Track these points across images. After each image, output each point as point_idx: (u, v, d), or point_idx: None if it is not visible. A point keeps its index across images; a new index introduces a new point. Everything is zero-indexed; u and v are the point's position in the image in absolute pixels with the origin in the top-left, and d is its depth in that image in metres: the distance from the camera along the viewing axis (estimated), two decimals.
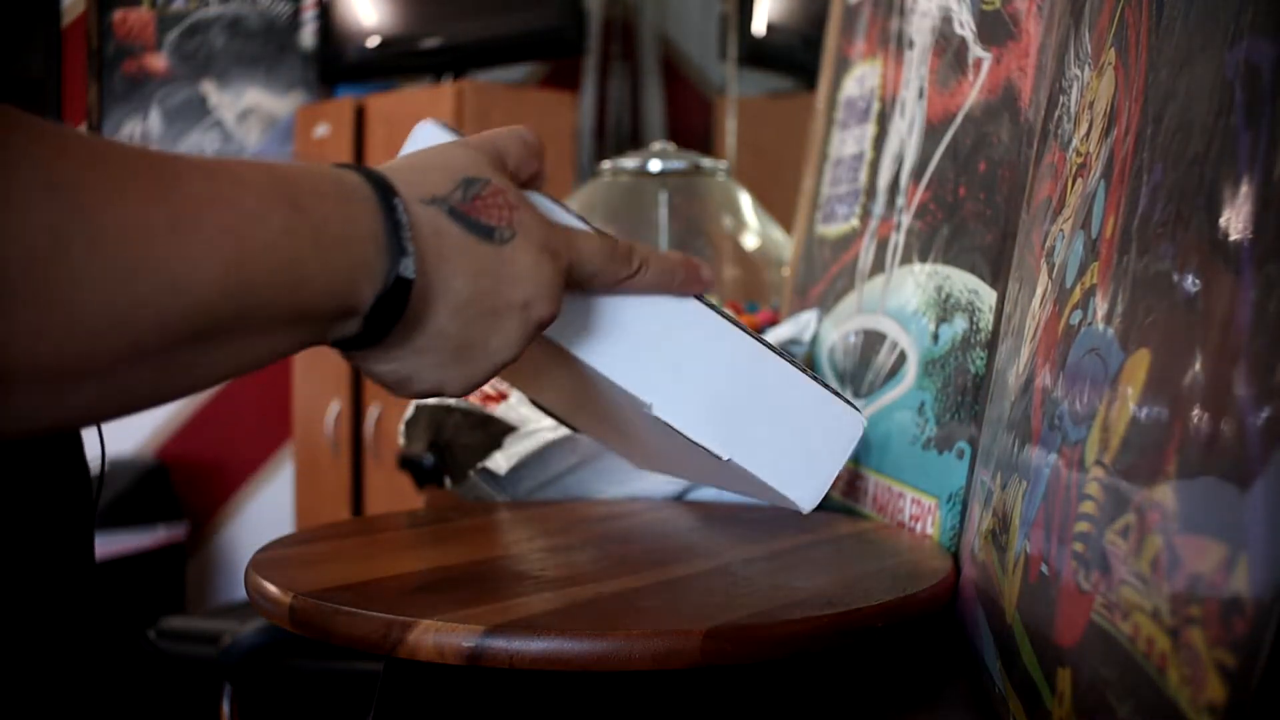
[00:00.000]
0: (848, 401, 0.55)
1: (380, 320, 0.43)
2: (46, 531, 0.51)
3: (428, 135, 0.53)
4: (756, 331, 1.04)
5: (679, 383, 0.54)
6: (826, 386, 0.56)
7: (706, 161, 1.34)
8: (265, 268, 0.38)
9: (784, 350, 0.56)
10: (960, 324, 0.71)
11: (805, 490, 0.56)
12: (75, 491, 0.53)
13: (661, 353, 0.54)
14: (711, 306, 0.55)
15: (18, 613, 0.49)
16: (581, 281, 0.51)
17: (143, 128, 2.96)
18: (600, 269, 0.51)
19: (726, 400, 0.54)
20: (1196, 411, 0.32)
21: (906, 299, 0.79)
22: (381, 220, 0.42)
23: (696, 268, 0.54)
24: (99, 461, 0.59)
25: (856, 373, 0.85)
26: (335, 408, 2.54)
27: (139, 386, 0.37)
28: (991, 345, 0.66)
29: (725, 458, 0.54)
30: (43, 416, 0.35)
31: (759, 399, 0.54)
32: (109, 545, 2.50)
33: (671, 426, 0.54)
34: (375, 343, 0.44)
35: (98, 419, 0.38)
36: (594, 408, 0.66)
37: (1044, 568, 0.45)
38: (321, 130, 2.57)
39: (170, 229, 0.35)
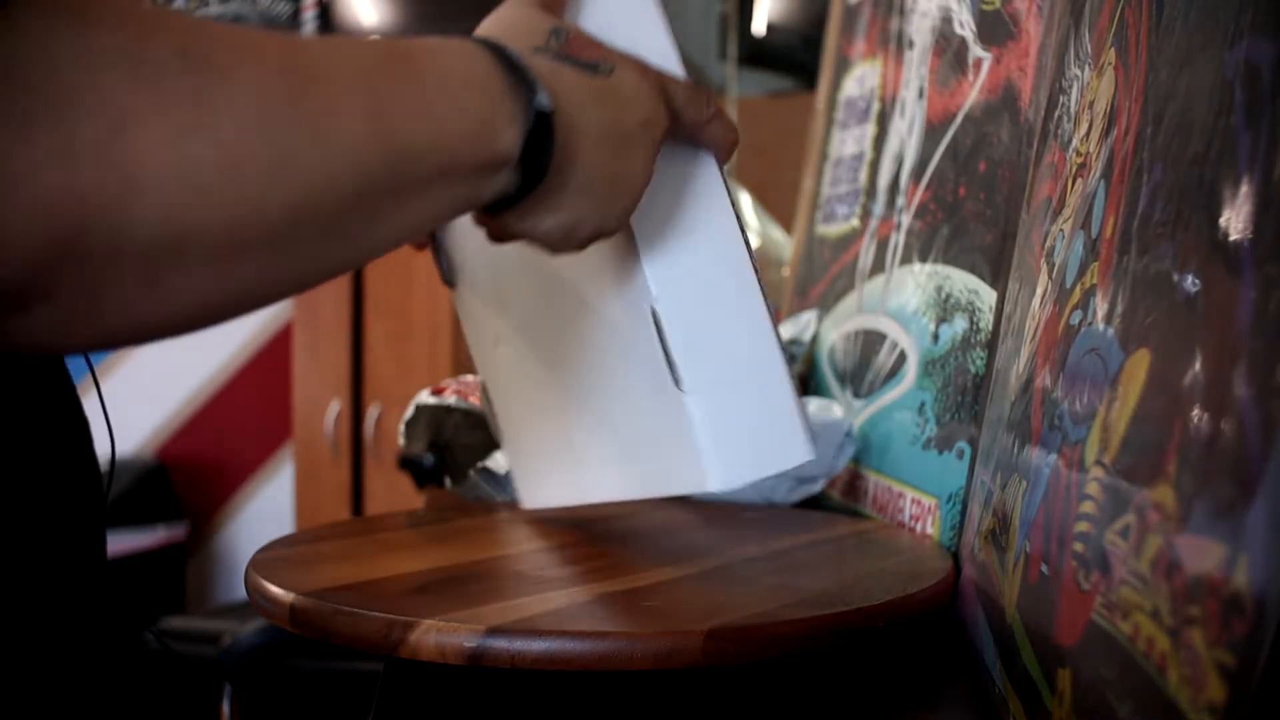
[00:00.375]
0: (808, 430, 0.53)
1: (535, 161, 0.44)
2: (58, 529, 0.51)
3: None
4: None
5: (690, 302, 0.54)
6: (801, 407, 0.54)
7: None
8: (403, 119, 0.39)
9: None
10: (960, 324, 0.71)
11: (726, 470, 0.53)
12: (86, 489, 0.53)
13: (695, 273, 0.54)
14: (758, 278, 0.55)
15: (29, 610, 0.49)
16: (675, 113, 0.52)
17: None
18: (684, 104, 0.52)
19: (716, 349, 0.53)
20: (1196, 411, 0.32)
21: (906, 299, 0.79)
22: (500, 68, 0.43)
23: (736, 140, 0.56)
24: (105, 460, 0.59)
25: (856, 373, 0.85)
26: (335, 408, 2.54)
27: (310, 251, 0.37)
28: (991, 345, 0.66)
29: (685, 390, 0.53)
30: (222, 287, 0.35)
31: (743, 368, 0.53)
32: (109, 545, 2.50)
33: (658, 328, 0.53)
34: (535, 187, 0.45)
35: (277, 290, 0.38)
36: (546, 405, 0.66)
37: (1044, 568, 0.45)
38: None
39: (305, 85, 0.36)
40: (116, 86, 0.31)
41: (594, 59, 0.48)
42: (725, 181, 0.55)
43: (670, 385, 0.54)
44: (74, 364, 0.53)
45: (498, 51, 0.44)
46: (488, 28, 0.49)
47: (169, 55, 0.33)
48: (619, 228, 0.49)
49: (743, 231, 0.55)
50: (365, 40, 0.41)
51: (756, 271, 0.55)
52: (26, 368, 0.50)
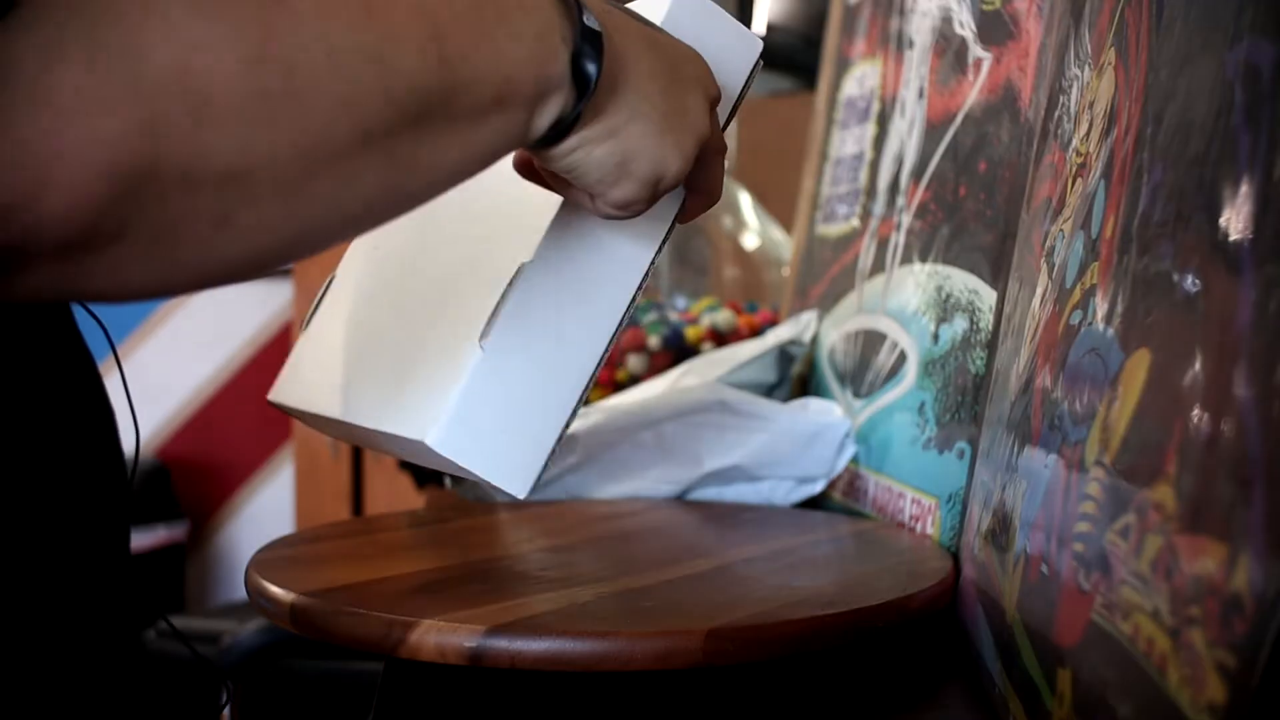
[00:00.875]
0: (535, 481, 0.53)
1: (584, 79, 0.43)
2: (83, 523, 0.51)
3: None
4: (756, 333, 1.04)
5: (551, 291, 0.52)
6: (556, 441, 0.53)
7: None
8: (460, 41, 0.39)
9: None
10: (960, 324, 0.71)
11: (443, 435, 0.51)
12: (110, 480, 0.54)
13: (580, 270, 0.53)
14: (611, 341, 0.54)
15: (50, 606, 0.49)
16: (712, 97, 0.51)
17: None
18: (715, 122, 0.51)
19: (537, 342, 0.51)
20: (1196, 411, 0.32)
21: (907, 299, 0.79)
22: None
23: None
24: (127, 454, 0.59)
25: (856, 373, 0.85)
26: None
27: (372, 181, 0.37)
28: (992, 345, 0.66)
29: (481, 348, 0.51)
30: (287, 228, 0.35)
31: (541, 377, 0.52)
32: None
33: (509, 286, 0.51)
34: (585, 100, 0.44)
35: (346, 227, 0.38)
36: (358, 304, 0.63)
37: (1044, 568, 0.45)
38: None
39: (365, 10, 0.36)
40: (183, 16, 0.31)
41: (646, 19, 0.47)
42: (667, 233, 0.54)
43: (474, 337, 0.52)
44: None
45: None
46: None
47: None
48: (680, 170, 0.48)
49: (638, 288, 0.54)
50: None
51: (619, 328, 0.54)
52: (53, 357, 0.50)
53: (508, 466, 0.52)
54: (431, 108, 0.38)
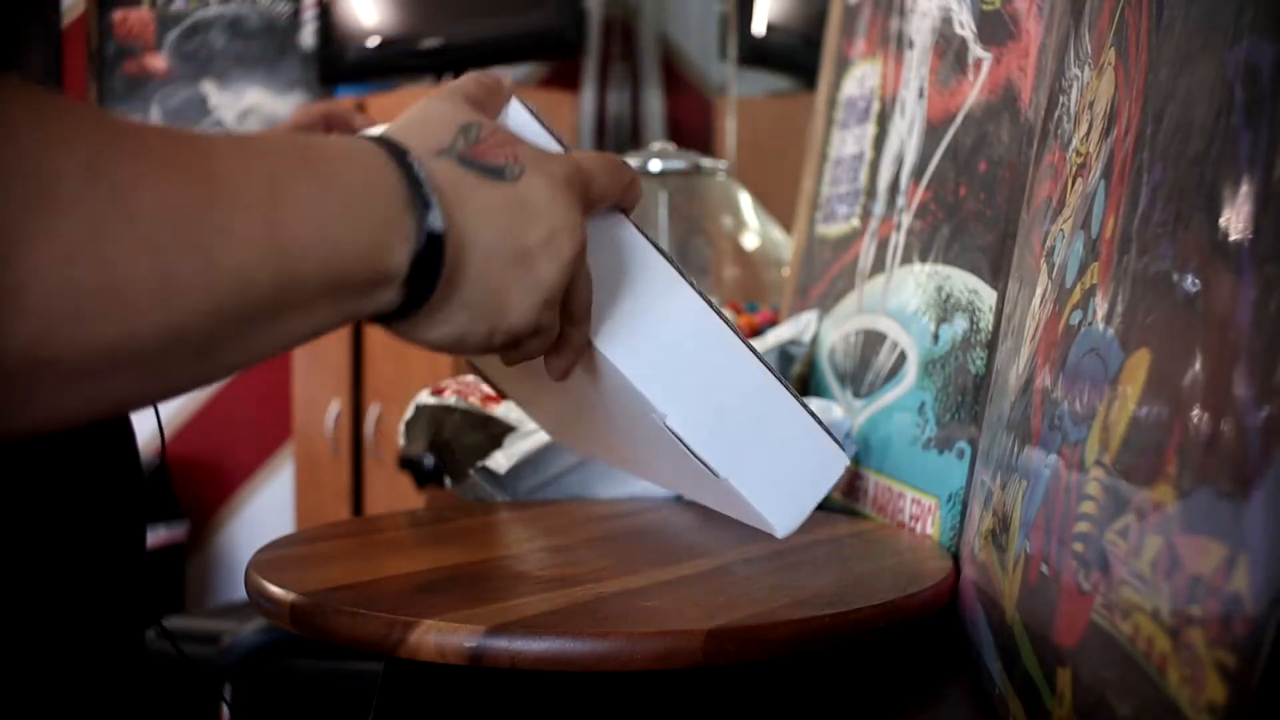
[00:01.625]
0: (835, 440, 0.57)
1: (421, 280, 0.43)
2: (99, 523, 0.51)
3: (517, 115, 0.54)
4: (756, 333, 1.04)
5: (692, 396, 0.54)
6: (819, 421, 0.56)
7: (706, 161, 1.34)
8: (299, 237, 0.38)
9: (786, 380, 0.57)
10: (960, 324, 0.71)
11: (785, 517, 0.57)
12: (126, 483, 0.54)
13: (681, 364, 0.54)
14: (731, 327, 0.55)
15: (62, 604, 0.49)
16: (594, 202, 0.51)
17: None
18: (606, 186, 0.51)
19: (731, 421, 0.55)
20: (1196, 411, 0.32)
21: (907, 299, 0.79)
22: (400, 179, 0.42)
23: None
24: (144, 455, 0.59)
25: (856, 373, 0.85)
26: (335, 408, 2.54)
27: (182, 370, 0.37)
28: (992, 345, 0.66)
29: (722, 476, 0.55)
30: (88, 404, 0.35)
31: (759, 424, 0.55)
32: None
33: (679, 439, 0.55)
34: (420, 305, 0.44)
35: (143, 404, 0.38)
36: (586, 420, 0.66)
37: (1044, 568, 0.45)
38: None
39: (206, 206, 0.35)
40: (9, 204, 0.31)
41: (503, 161, 0.46)
42: (648, 239, 0.55)
43: (710, 474, 0.56)
44: None
45: (400, 159, 0.43)
46: (403, 121, 0.47)
47: (73, 170, 0.32)
48: (510, 340, 0.48)
49: (688, 281, 0.55)
50: (277, 142, 0.40)
51: (719, 314, 0.55)
52: None
53: (822, 468, 0.57)
54: (255, 303, 0.37)
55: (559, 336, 0.51)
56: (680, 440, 0.54)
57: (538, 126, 0.53)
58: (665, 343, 0.54)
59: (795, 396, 0.56)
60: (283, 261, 0.38)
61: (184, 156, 0.36)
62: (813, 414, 0.56)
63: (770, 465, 0.56)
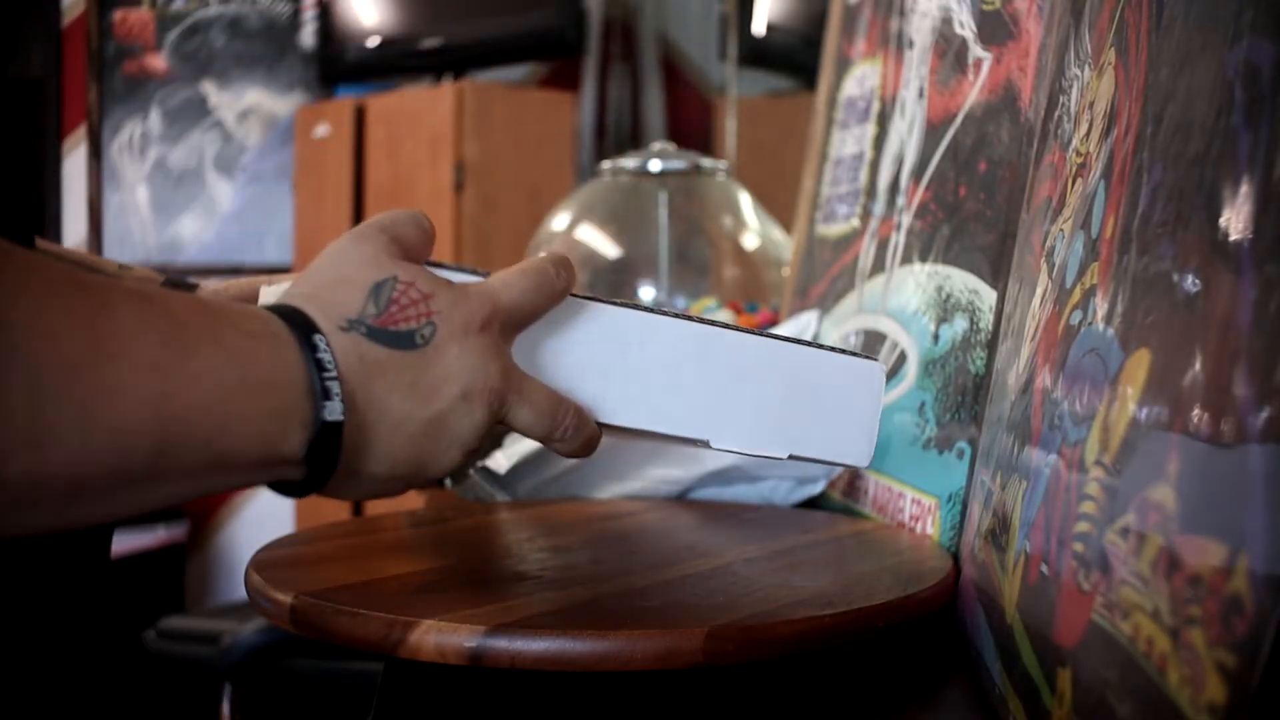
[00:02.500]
0: (860, 355, 0.57)
1: (318, 464, 0.43)
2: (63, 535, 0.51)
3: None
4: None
5: (719, 407, 0.54)
6: (835, 349, 0.57)
7: (706, 161, 1.34)
8: (188, 408, 0.37)
9: (782, 335, 0.57)
10: (960, 324, 0.71)
11: (859, 449, 0.58)
12: None
13: (693, 388, 0.54)
14: (710, 321, 0.55)
15: (30, 610, 0.49)
16: (521, 325, 0.50)
17: (143, 128, 2.96)
18: (534, 305, 0.49)
19: (763, 404, 0.55)
20: (1196, 411, 0.32)
21: (907, 299, 0.79)
22: (306, 362, 0.42)
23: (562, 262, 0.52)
24: None
25: None
26: None
27: (43, 513, 0.36)
28: (992, 345, 0.66)
29: (785, 457, 0.55)
30: None
31: (788, 390, 0.56)
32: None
33: (731, 451, 0.55)
34: (321, 486, 0.44)
35: (6, 534, 0.37)
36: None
37: (1044, 568, 0.45)
38: (321, 130, 2.57)
39: (92, 361, 0.35)
40: None
41: (414, 324, 0.45)
42: (595, 299, 0.54)
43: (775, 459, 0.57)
44: None
45: (306, 338, 0.42)
46: (317, 273, 0.46)
47: None
48: (436, 480, 0.48)
49: (650, 310, 0.55)
50: (185, 303, 0.39)
51: (693, 319, 0.55)
52: None
53: (863, 389, 0.58)
54: (133, 464, 0.37)
55: (551, 440, 0.50)
56: (732, 451, 0.55)
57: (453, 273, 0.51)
58: (670, 383, 0.54)
59: (798, 342, 0.56)
60: (167, 431, 0.37)
61: (82, 304, 0.35)
62: (825, 346, 0.57)
63: (819, 416, 0.56)
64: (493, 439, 0.88)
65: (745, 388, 0.55)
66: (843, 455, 0.57)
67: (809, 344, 0.56)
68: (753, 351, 0.55)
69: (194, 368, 0.38)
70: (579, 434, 0.51)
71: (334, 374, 0.42)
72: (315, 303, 0.44)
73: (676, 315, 0.55)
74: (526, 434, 0.50)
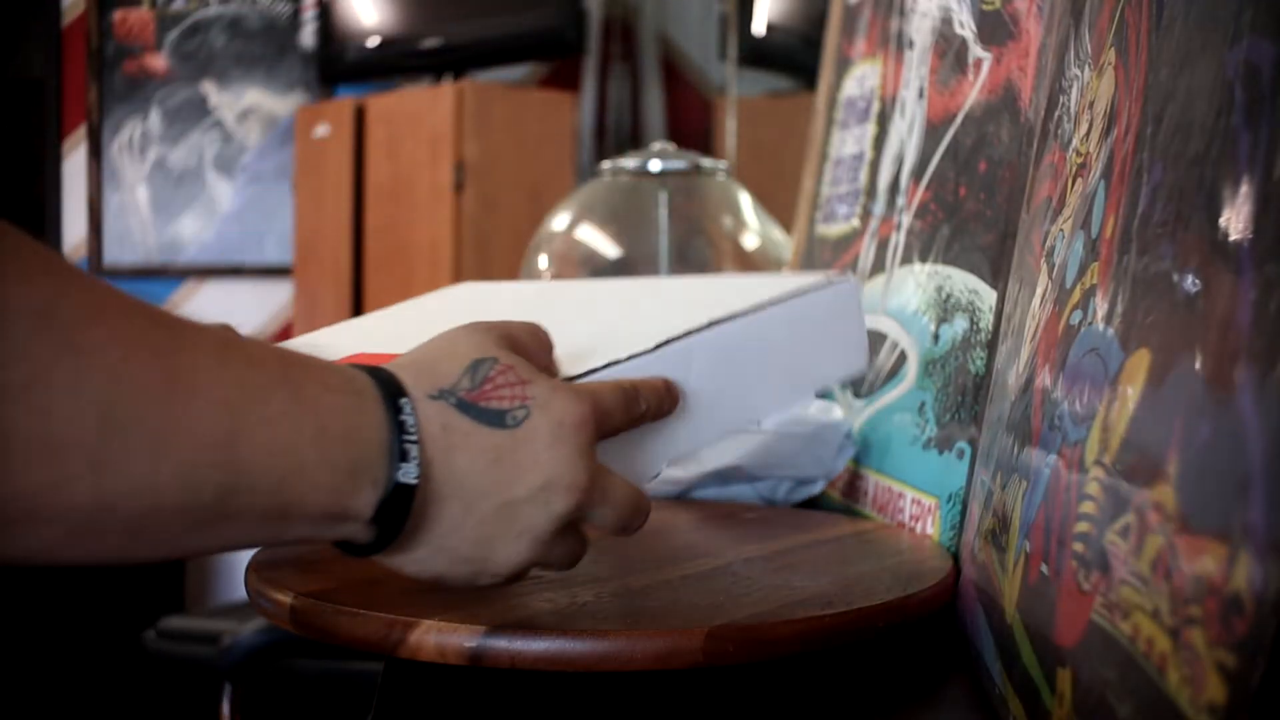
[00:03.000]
0: (830, 280, 0.59)
1: (387, 525, 0.42)
2: None
3: None
4: None
5: (743, 396, 0.56)
6: (806, 287, 0.58)
7: (706, 161, 1.34)
8: (258, 452, 0.37)
9: (731, 314, 0.57)
10: (961, 324, 0.71)
11: (858, 359, 0.61)
12: None
13: (715, 395, 0.56)
14: (686, 333, 0.55)
15: (23, 613, 0.49)
16: (608, 433, 0.49)
17: (143, 128, 2.96)
18: (620, 422, 0.49)
19: (776, 366, 0.57)
20: (1196, 411, 0.32)
21: (907, 299, 0.79)
22: (387, 422, 0.41)
23: (666, 387, 0.53)
24: None
25: None
26: None
27: (105, 543, 0.36)
28: (992, 345, 0.66)
29: (811, 399, 0.57)
30: (9, 550, 0.34)
31: (788, 343, 0.58)
32: None
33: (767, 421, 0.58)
34: (385, 547, 0.43)
35: (66, 562, 0.37)
36: None
37: (1044, 568, 0.45)
38: (321, 130, 2.57)
39: (165, 390, 0.35)
40: None
41: (507, 405, 0.44)
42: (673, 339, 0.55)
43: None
44: None
45: (393, 400, 0.42)
46: (421, 350, 0.46)
47: (29, 311, 0.32)
48: (504, 580, 0.47)
49: (651, 350, 0.55)
50: (264, 350, 0.39)
51: (672, 340, 0.56)
52: None
53: (842, 308, 0.62)
54: (200, 504, 0.36)
55: (624, 532, 0.49)
56: (769, 420, 0.57)
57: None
58: (710, 395, 0.55)
59: (754, 309, 0.57)
60: (235, 476, 0.37)
61: (155, 337, 0.35)
62: (795, 289, 0.58)
63: (821, 348, 0.60)
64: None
65: (755, 365, 0.56)
66: (848, 370, 0.61)
67: (781, 297, 0.58)
68: (729, 340, 0.56)
69: (269, 412, 0.38)
70: (644, 520, 0.50)
71: (414, 438, 0.42)
72: (409, 370, 0.44)
73: (661, 344, 0.55)
74: (599, 529, 0.49)
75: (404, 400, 0.42)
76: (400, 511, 0.42)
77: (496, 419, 0.44)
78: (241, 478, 0.37)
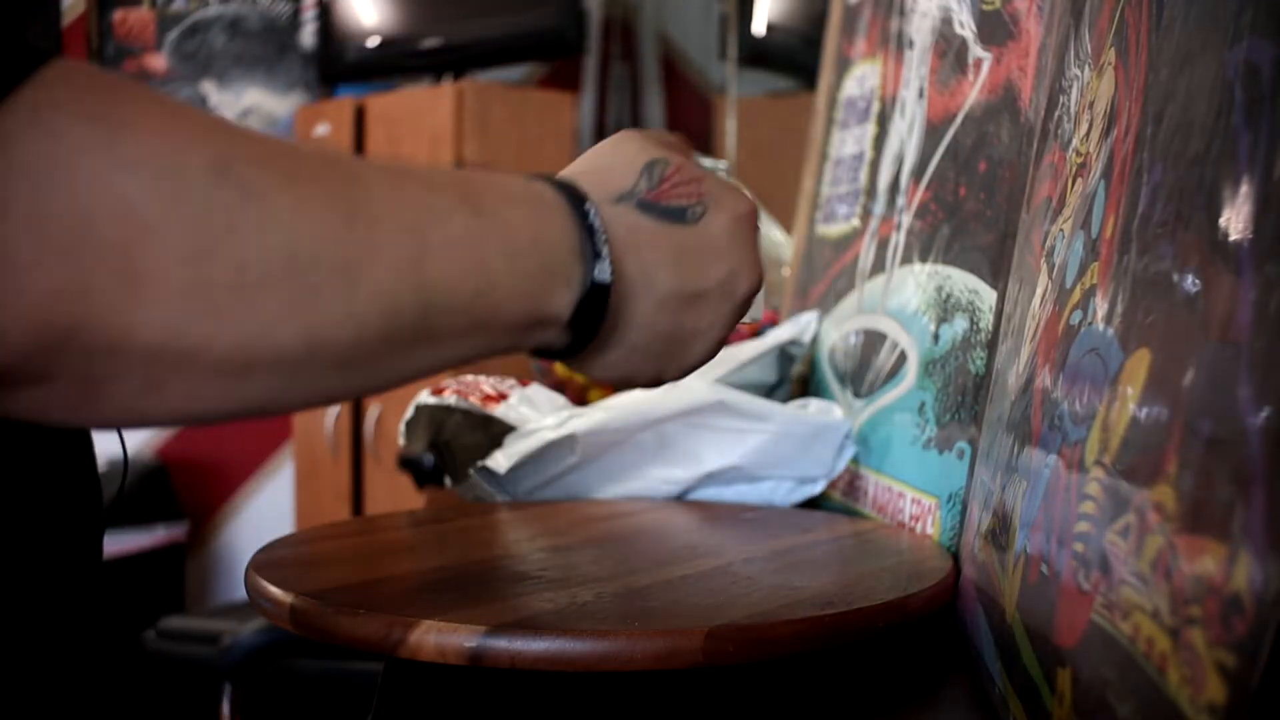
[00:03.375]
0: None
1: (584, 326, 0.43)
2: (55, 531, 0.51)
3: None
4: (756, 333, 1.04)
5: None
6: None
7: (706, 161, 1.34)
8: (448, 269, 0.38)
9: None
10: (961, 324, 0.71)
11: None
12: (84, 491, 0.53)
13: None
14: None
15: (23, 612, 0.49)
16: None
17: None
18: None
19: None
20: (1196, 411, 0.32)
21: (907, 299, 0.79)
22: (574, 226, 0.42)
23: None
24: (108, 461, 0.59)
25: (857, 373, 0.85)
26: (335, 408, 2.54)
27: (322, 380, 0.36)
28: (992, 345, 0.66)
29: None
30: (222, 402, 0.35)
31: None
32: (109, 545, 2.50)
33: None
34: (582, 349, 0.44)
35: (281, 409, 0.37)
36: None
37: (1044, 568, 0.45)
38: (321, 130, 2.57)
39: (346, 222, 0.35)
40: (138, 195, 0.31)
41: (685, 202, 0.46)
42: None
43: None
44: None
45: (578, 205, 0.42)
46: (588, 161, 0.47)
47: (204, 168, 0.32)
48: (684, 376, 0.48)
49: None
50: (439, 174, 0.40)
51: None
52: None
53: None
54: (400, 325, 0.37)
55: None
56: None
57: None
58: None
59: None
60: (431, 290, 0.37)
61: (328, 174, 0.36)
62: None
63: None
64: (492, 439, 0.88)
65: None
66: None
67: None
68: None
69: (450, 233, 0.38)
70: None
71: (604, 238, 0.42)
72: (585, 179, 0.45)
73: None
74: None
75: (588, 205, 0.43)
76: (597, 310, 0.42)
77: (678, 216, 0.45)
78: (437, 296, 0.38)
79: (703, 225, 0.46)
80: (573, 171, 0.46)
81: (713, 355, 0.48)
